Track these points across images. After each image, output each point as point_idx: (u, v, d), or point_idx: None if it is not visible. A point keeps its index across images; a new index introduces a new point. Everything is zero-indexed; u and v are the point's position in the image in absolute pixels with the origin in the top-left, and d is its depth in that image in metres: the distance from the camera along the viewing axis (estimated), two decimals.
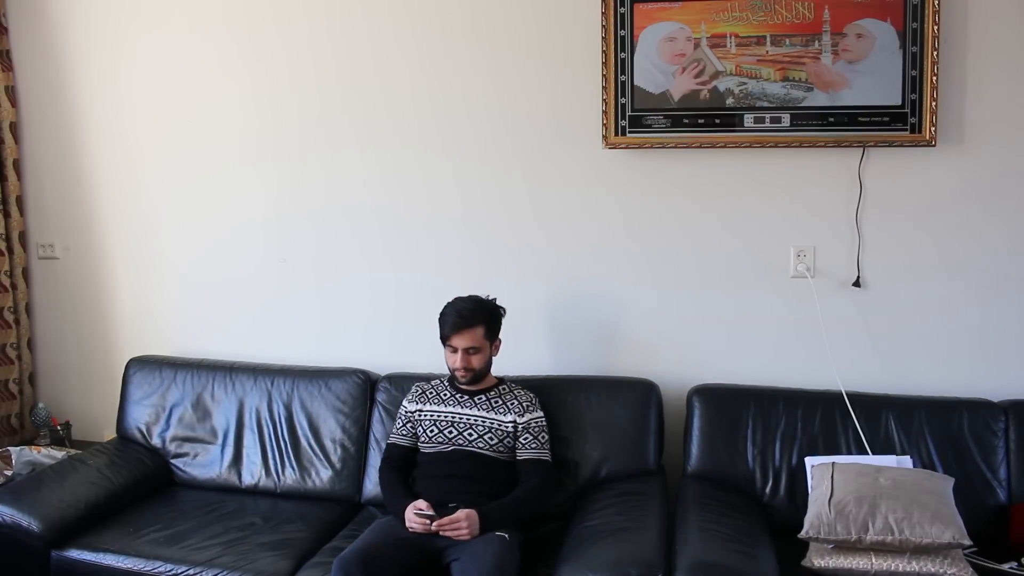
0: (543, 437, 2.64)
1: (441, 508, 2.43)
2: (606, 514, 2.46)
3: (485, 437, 2.61)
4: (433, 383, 2.78)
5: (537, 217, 2.99)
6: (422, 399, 2.73)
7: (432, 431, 2.66)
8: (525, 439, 2.62)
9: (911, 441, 2.59)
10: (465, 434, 2.62)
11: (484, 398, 2.67)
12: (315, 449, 2.96)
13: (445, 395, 2.71)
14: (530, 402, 2.68)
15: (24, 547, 2.59)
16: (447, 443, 2.63)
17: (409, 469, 2.68)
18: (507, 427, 2.62)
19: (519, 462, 2.62)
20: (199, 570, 2.47)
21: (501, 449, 2.62)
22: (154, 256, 3.36)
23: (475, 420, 2.64)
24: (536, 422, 2.64)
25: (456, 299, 2.67)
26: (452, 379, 2.72)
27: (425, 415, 2.69)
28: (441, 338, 2.64)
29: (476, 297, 2.67)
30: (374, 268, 3.14)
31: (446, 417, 2.66)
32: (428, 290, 3.05)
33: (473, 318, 2.60)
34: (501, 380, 2.75)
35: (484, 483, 2.55)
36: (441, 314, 2.64)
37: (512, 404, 2.65)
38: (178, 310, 3.36)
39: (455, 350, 2.62)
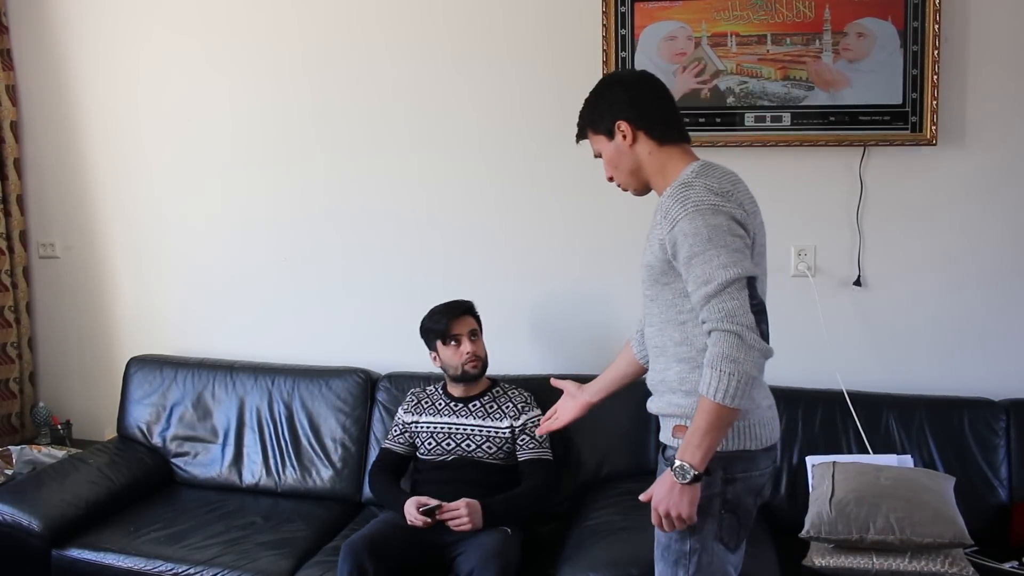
0: (542, 435, 2.60)
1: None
2: (606, 514, 2.46)
3: (484, 447, 2.60)
4: (428, 390, 2.76)
5: (538, 217, 2.99)
6: (417, 409, 2.71)
7: (430, 443, 2.64)
8: (523, 440, 2.61)
9: (912, 440, 2.59)
10: (464, 445, 2.61)
11: (479, 404, 2.65)
12: (316, 448, 2.96)
13: (440, 404, 2.69)
14: (525, 402, 2.66)
15: (25, 546, 2.59)
16: (446, 453, 2.62)
17: (400, 474, 2.68)
18: (504, 433, 2.61)
19: (521, 463, 2.60)
20: (199, 569, 2.48)
21: (500, 456, 2.61)
22: (155, 255, 3.36)
23: (472, 430, 2.61)
24: (532, 422, 2.62)
25: (430, 309, 2.69)
26: (445, 386, 2.72)
27: (421, 427, 2.67)
28: (437, 337, 2.64)
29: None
30: (375, 268, 3.14)
31: (443, 429, 2.64)
32: (429, 290, 3.04)
33: (462, 306, 2.65)
34: (494, 382, 2.73)
35: (485, 487, 2.53)
36: (428, 317, 2.67)
37: (507, 408, 2.64)
38: (179, 309, 3.36)
39: (458, 342, 2.60)
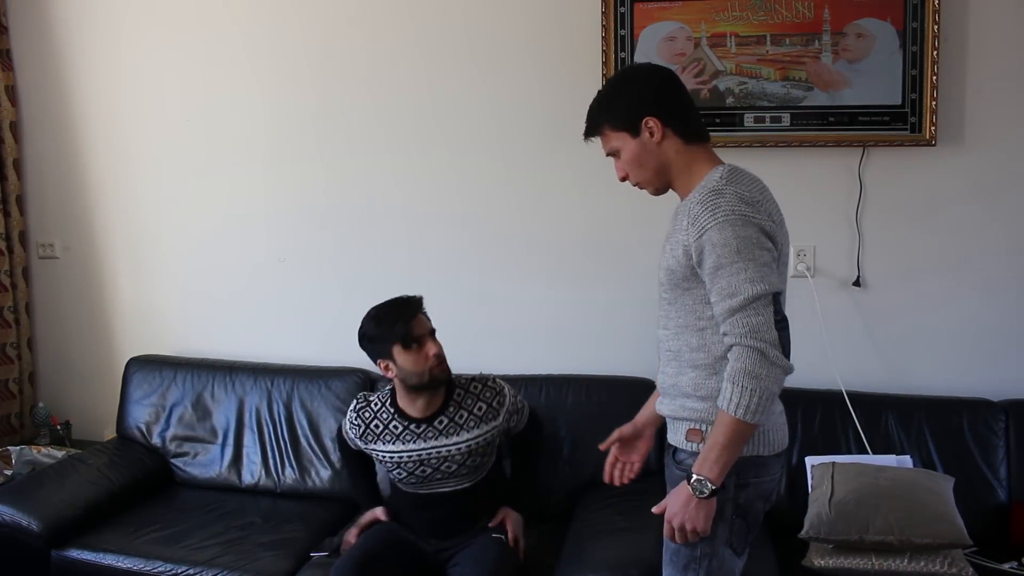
0: (519, 404, 2.49)
1: (437, 540, 2.40)
2: (606, 514, 2.46)
3: (467, 463, 2.35)
4: (374, 406, 2.42)
5: (538, 216, 2.99)
6: (369, 436, 2.40)
7: (399, 472, 2.38)
8: (514, 421, 2.46)
9: (911, 441, 2.59)
10: (442, 468, 2.34)
11: (445, 419, 2.34)
12: (315, 449, 2.96)
13: (397, 429, 2.35)
14: (494, 394, 2.40)
15: (24, 547, 2.59)
16: (420, 482, 2.38)
17: (369, 462, 2.55)
18: (486, 437, 2.37)
19: (513, 438, 2.52)
20: (199, 570, 2.48)
21: (485, 456, 2.41)
22: (154, 256, 3.36)
23: (449, 451, 2.33)
24: (512, 405, 2.44)
25: (372, 308, 2.35)
26: (395, 401, 2.39)
27: (382, 455, 2.39)
28: (395, 343, 2.27)
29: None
30: (374, 267, 3.14)
31: (412, 457, 2.34)
32: (428, 290, 3.03)
33: (414, 304, 2.31)
34: (450, 382, 2.41)
35: (476, 510, 2.43)
36: (375, 323, 2.30)
37: (480, 410, 2.37)
38: (178, 309, 3.36)
39: (421, 344, 2.27)
